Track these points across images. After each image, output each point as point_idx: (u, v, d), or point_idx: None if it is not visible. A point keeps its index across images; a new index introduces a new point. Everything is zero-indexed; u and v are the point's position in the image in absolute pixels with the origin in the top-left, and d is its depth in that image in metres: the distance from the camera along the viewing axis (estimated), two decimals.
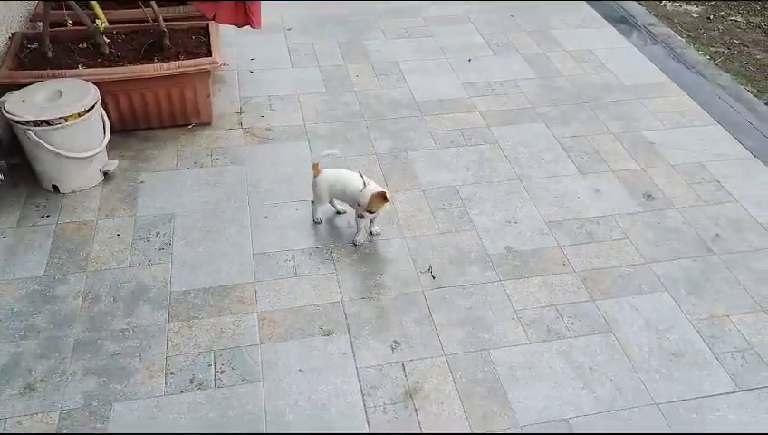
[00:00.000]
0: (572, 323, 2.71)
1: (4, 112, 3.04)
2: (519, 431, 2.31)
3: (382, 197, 2.85)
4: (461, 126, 3.85)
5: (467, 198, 3.33)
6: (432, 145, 3.69)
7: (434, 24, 4.95)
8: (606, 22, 5.10)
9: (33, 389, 2.39)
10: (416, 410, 2.37)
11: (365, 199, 2.85)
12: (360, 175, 2.88)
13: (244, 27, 4.04)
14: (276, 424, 2.31)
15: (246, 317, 2.69)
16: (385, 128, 3.82)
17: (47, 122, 3.02)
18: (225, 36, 4.35)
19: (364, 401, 2.40)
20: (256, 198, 3.28)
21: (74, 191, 3.25)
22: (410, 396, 2.42)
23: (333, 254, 2.99)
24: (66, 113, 3.05)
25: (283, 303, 2.76)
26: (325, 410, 2.36)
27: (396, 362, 2.54)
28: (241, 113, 3.89)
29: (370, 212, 2.90)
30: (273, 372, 2.49)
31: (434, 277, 2.90)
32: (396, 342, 2.61)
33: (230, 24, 4.03)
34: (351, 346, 2.59)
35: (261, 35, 4.56)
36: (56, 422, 2.29)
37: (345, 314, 2.72)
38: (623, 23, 5.11)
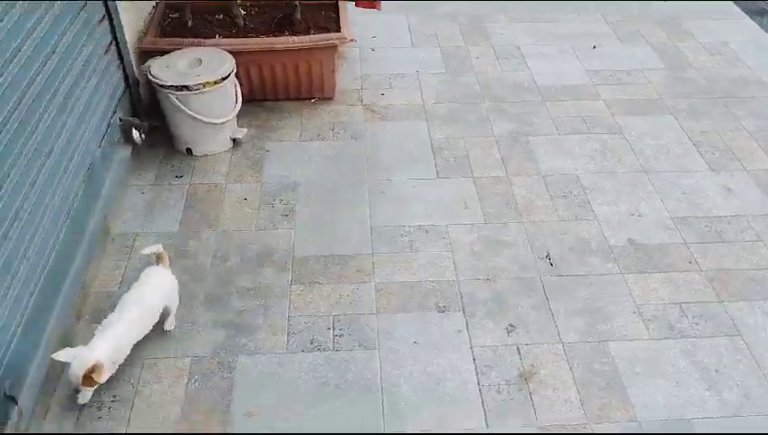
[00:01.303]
0: (697, 323, 2.61)
1: (150, 77, 3.24)
2: (638, 428, 2.26)
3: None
4: (584, 113, 3.75)
5: (589, 188, 3.25)
6: (553, 131, 3.63)
7: (556, 9, 4.83)
8: (743, 14, 4.81)
9: (168, 334, 2.56)
10: (530, 393, 2.36)
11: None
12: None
13: (370, 9, 4.14)
14: (391, 393, 2.36)
15: (364, 287, 2.76)
16: (505, 111, 3.78)
17: (187, 88, 3.19)
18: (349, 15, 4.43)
19: (478, 379, 2.41)
20: (374, 173, 3.34)
21: (206, 155, 3.43)
22: (525, 379, 2.41)
23: (449, 232, 3.01)
24: (205, 80, 3.20)
25: (400, 276, 2.80)
26: (440, 384, 2.39)
27: (511, 345, 2.53)
28: (362, 90, 3.96)
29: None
30: (388, 341, 2.54)
31: (552, 264, 2.86)
32: (511, 325, 2.61)
33: (362, 5, 4.11)
34: (467, 325, 2.61)
35: (382, 15, 4.61)
36: (188, 367, 2.44)
37: (460, 293, 2.73)
38: (762, 15, 4.80)
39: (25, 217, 2.26)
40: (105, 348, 2.22)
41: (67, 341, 2.43)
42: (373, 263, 2.87)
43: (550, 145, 3.52)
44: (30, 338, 2.25)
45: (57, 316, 2.42)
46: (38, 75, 2.41)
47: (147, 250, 2.54)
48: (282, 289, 2.75)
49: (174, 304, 2.56)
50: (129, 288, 2.45)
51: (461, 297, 2.72)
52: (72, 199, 2.65)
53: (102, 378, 2.16)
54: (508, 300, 2.70)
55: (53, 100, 2.53)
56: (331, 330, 2.59)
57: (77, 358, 2.14)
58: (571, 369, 2.44)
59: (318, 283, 2.78)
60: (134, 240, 2.95)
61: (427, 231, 3.03)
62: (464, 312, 2.66)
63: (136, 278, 2.49)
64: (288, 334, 2.57)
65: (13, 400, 2.09)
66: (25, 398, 2.14)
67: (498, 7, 4.85)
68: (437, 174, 3.34)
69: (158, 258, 2.53)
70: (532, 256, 2.89)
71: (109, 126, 3.06)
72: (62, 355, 2.15)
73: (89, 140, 2.83)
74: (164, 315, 2.52)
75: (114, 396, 2.33)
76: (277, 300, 2.70)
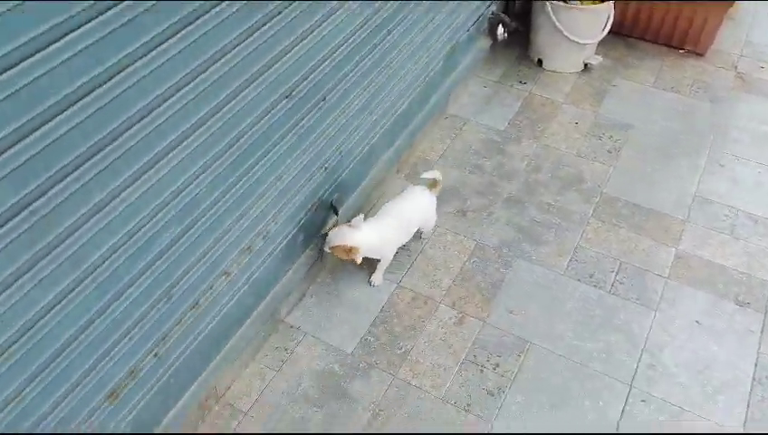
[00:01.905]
0: None
1: None
2: None
3: None
4: None
5: None
6: None
7: None
8: None
9: (464, 215, 2.76)
10: None
11: None
12: None
13: None
14: (652, 354, 2.28)
15: (664, 248, 2.63)
16: None
17: (564, 0, 3.21)
18: None
19: (752, 386, 2.20)
20: (720, 144, 3.07)
21: (554, 71, 3.46)
22: None
23: None
24: None
25: (707, 253, 2.61)
26: (706, 371, 2.24)
27: None
28: (740, 56, 3.58)
29: None
30: (670, 308, 2.42)
31: None
32: None
33: None
34: (763, 328, 2.35)
35: None
36: (471, 249, 2.63)
37: None
38: None
39: (390, 72, 2.56)
40: (364, 240, 2.34)
41: (381, 185, 2.78)
42: (683, 230, 2.70)
43: None
44: (362, 168, 2.62)
45: (384, 160, 2.77)
46: None
47: (426, 174, 2.55)
48: (581, 217, 2.75)
49: (429, 225, 2.62)
50: (392, 199, 2.51)
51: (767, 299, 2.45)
52: (431, 69, 2.91)
53: (357, 260, 2.33)
54: None
55: None
56: (615, 273, 2.54)
57: (345, 235, 2.34)
58: None
59: (618, 226, 2.71)
60: (463, 125, 3.17)
61: (756, 221, 2.73)
62: (765, 314, 2.40)
63: (400, 192, 2.55)
64: (571, 260, 2.59)
65: (335, 211, 2.49)
66: (343, 212, 2.52)
67: None
68: None
69: (433, 184, 2.55)
70: None
71: (481, 16, 3.24)
72: (334, 230, 2.37)
73: (461, 22, 3.04)
74: (419, 231, 2.61)
75: (403, 247, 2.59)
76: (573, 225, 2.72)
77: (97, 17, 1.26)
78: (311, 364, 2.27)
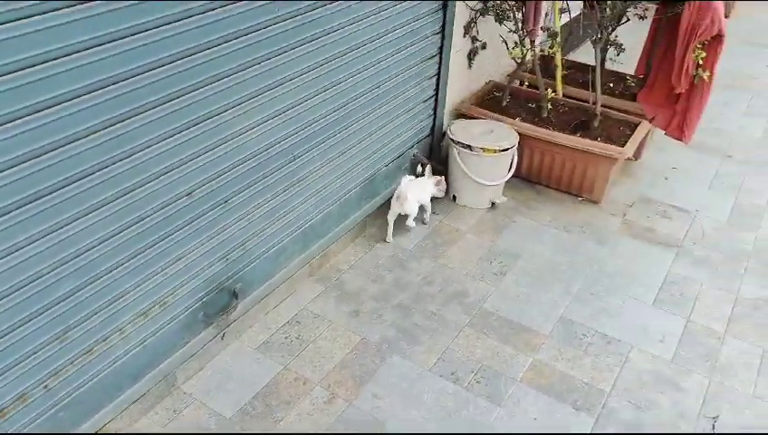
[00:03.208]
0: None
1: (448, 132, 3.98)
2: None
3: None
4: None
5: None
6: None
7: None
8: None
9: (358, 315, 3.20)
10: None
11: None
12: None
13: (676, 140, 4.28)
14: None
15: (523, 356, 3.02)
16: (765, 277, 3.57)
17: (470, 147, 3.84)
18: (660, 140, 4.60)
19: None
20: (595, 278, 3.52)
21: (465, 205, 4.03)
22: None
23: (631, 353, 3.06)
24: (485, 146, 3.82)
25: (560, 364, 2.99)
26: None
27: None
28: (631, 206, 4.13)
29: None
30: (514, 406, 2.78)
31: (714, 428, 2.72)
32: None
33: (663, 129, 4.32)
34: (592, 429, 2.68)
35: (697, 152, 4.67)
36: (355, 343, 3.04)
37: (604, 404, 2.80)
38: None
39: (301, 188, 3.14)
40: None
41: (293, 284, 3.27)
42: (543, 343, 3.10)
43: None
44: (269, 266, 3.11)
45: (297, 262, 3.27)
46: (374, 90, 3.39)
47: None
48: (457, 325, 3.17)
49: (427, 206, 3.82)
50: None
51: (601, 406, 2.79)
52: (348, 192, 3.49)
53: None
54: None
55: (383, 94, 3.48)
56: (474, 373, 2.93)
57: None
58: None
59: (487, 335, 3.13)
60: (376, 243, 3.69)
61: (609, 342, 3.13)
62: (597, 420, 2.73)
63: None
64: (439, 359, 2.99)
65: (236, 297, 2.95)
66: (249, 301, 2.99)
67: None
68: (653, 301, 3.38)
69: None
70: (697, 412, 2.79)
71: (401, 154, 3.87)
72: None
73: (379, 157, 3.66)
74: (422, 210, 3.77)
75: (298, 337, 3.03)
76: (448, 331, 3.14)
77: None
78: (191, 425, 2.64)
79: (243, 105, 2.58)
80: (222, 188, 2.65)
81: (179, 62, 2.24)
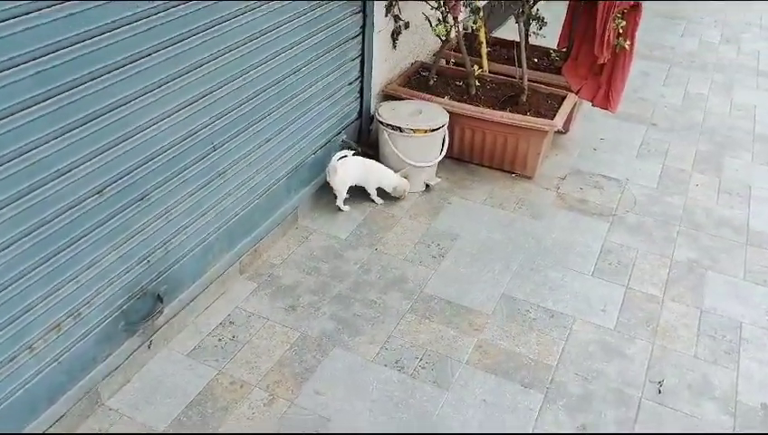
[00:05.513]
0: None
1: (377, 115, 3.86)
2: None
3: None
4: None
5: (748, 340, 2.99)
6: (738, 274, 3.38)
7: None
8: None
9: (294, 310, 3.04)
10: None
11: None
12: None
13: (603, 109, 4.29)
14: (441, 429, 2.52)
15: (467, 338, 2.94)
16: (696, 240, 3.62)
17: (400, 129, 3.73)
18: (587, 112, 4.63)
19: None
20: (534, 253, 3.49)
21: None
22: None
23: (575, 322, 3.03)
24: (416, 127, 3.72)
25: (504, 342, 2.93)
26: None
27: None
28: (563, 179, 4.13)
29: None
30: (461, 389, 2.70)
31: (660, 392, 2.72)
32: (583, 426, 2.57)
33: (589, 100, 4.33)
34: (541, 406, 2.63)
35: (622, 121, 4.73)
36: (294, 340, 2.89)
37: (552, 378, 2.76)
38: None
39: (223, 181, 2.95)
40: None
41: (224, 283, 3.08)
42: (486, 323, 3.03)
43: (726, 286, 3.30)
44: (196, 265, 2.92)
45: (226, 260, 3.08)
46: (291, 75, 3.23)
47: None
48: (398, 312, 3.07)
49: (368, 186, 3.79)
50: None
51: (548, 381, 2.74)
52: (275, 184, 3.32)
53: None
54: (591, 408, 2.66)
55: (302, 79, 3.32)
56: (418, 359, 2.83)
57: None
58: None
59: (430, 319, 3.04)
60: (309, 235, 3.53)
61: (552, 315, 3.09)
62: (546, 395, 2.69)
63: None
64: (382, 348, 2.87)
65: (161, 301, 2.75)
66: (176, 304, 2.79)
67: (746, 145, 4.60)
68: (592, 272, 3.37)
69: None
70: (642, 377, 2.78)
71: (328, 142, 3.73)
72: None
73: (305, 145, 3.51)
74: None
75: (233, 337, 2.86)
76: (390, 318, 3.03)
77: None
78: None
79: (149, 94, 2.38)
80: (136, 185, 2.44)
81: (66, 49, 2.02)
